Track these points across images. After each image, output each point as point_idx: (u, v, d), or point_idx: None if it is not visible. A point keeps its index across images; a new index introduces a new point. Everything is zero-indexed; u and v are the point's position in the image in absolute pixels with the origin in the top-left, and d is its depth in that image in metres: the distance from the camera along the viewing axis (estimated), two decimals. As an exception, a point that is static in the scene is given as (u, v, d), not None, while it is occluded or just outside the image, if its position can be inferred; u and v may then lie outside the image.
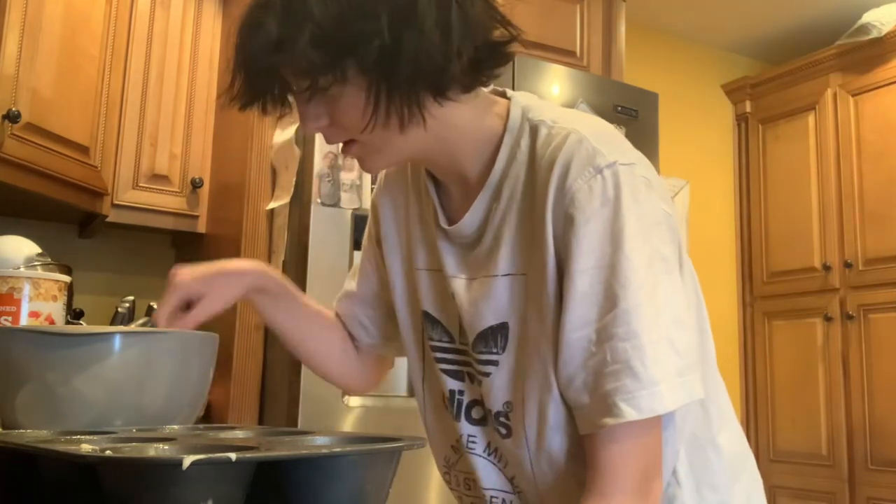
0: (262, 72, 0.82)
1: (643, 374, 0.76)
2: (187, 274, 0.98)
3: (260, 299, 1.05)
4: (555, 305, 0.82)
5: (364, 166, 0.90)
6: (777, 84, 3.70)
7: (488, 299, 0.88)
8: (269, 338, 2.04)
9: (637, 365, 0.76)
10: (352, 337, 1.11)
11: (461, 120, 0.87)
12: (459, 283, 0.91)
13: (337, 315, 1.12)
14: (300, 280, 1.94)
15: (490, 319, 0.88)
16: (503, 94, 0.92)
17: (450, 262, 0.93)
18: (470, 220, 0.90)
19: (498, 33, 0.84)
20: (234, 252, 2.09)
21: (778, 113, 3.69)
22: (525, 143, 0.87)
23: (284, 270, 2.01)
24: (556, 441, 0.84)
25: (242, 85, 0.84)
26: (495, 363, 0.88)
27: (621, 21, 2.71)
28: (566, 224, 0.80)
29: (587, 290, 0.79)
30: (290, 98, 0.86)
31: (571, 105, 2.33)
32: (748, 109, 3.82)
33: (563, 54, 2.56)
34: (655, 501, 0.80)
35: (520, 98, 0.90)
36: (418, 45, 0.77)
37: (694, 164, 3.69)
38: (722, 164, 3.84)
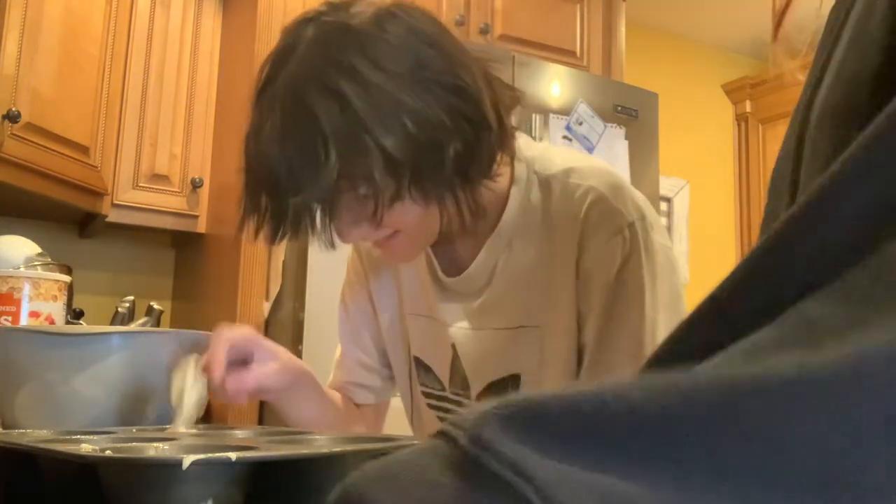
0: (314, 203, 0.74)
1: None
2: (242, 330, 0.91)
3: (292, 393, 0.98)
4: (575, 357, 0.84)
5: (401, 256, 0.87)
6: (777, 84, 3.70)
7: (498, 352, 0.88)
8: (269, 337, 2.03)
9: None
10: (356, 403, 1.06)
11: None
12: (461, 333, 0.90)
13: (337, 389, 1.07)
14: (300, 280, 1.94)
15: (500, 372, 0.88)
16: None
17: (447, 310, 0.92)
18: (476, 271, 0.89)
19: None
20: (235, 252, 2.08)
21: (778, 113, 3.69)
22: (535, 196, 0.87)
23: (284, 270, 2.01)
24: None
25: (279, 217, 0.76)
26: None
27: (621, 21, 2.71)
28: (587, 279, 0.82)
29: (609, 340, 0.81)
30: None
31: (571, 105, 2.33)
32: (748, 109, 3.82)
33: (563, 54, 2.56)
34: None
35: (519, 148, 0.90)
36: (488, 141, 0.77)
37: (694, 164, 3.69)
38: (722, 164, 3.84)
